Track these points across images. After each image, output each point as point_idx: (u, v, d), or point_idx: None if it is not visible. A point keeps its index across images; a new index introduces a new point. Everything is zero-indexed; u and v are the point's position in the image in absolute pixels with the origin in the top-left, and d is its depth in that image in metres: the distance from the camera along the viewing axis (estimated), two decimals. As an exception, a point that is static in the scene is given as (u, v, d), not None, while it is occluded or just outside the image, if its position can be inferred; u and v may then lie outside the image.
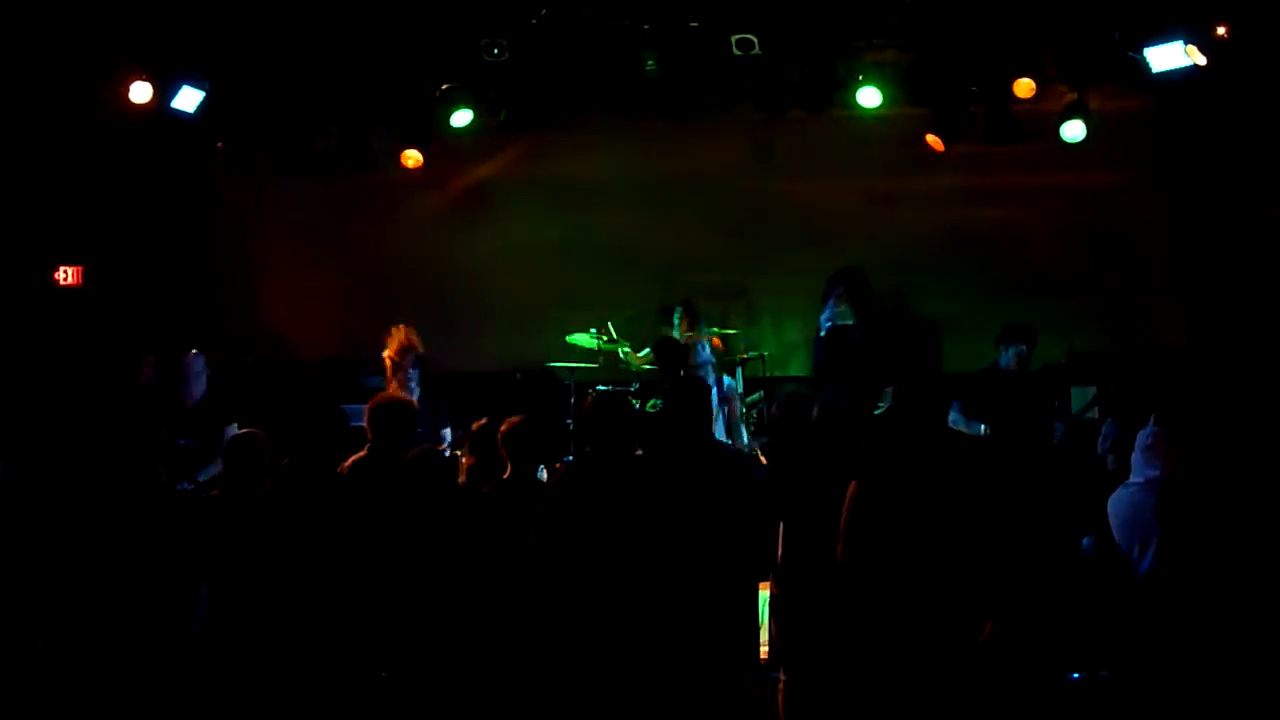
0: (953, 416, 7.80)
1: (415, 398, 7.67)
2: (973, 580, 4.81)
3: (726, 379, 10.05)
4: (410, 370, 7.98)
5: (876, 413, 6.80)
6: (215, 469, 7.50)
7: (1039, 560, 5.12)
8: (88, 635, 5.42)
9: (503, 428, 5.56)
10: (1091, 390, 8.83)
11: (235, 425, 7.89)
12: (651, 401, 9.49)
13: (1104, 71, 9.66)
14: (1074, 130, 9.96)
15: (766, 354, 10.70)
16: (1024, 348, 7.95)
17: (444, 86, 10.00)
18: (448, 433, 8.20)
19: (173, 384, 8.01)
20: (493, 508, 5.41)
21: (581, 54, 9.91)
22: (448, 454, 7.40)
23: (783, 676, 5.51)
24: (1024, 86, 9.57)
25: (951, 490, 4.83)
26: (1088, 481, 5.76)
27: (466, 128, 10.32)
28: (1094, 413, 8.27)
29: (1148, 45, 8.85)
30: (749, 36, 9.13)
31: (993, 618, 4.91)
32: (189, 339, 8.45)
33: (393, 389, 7.95)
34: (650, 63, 9.70)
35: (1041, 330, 8.33)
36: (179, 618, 5.53)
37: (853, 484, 4.92)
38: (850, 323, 9.04)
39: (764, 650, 6.21)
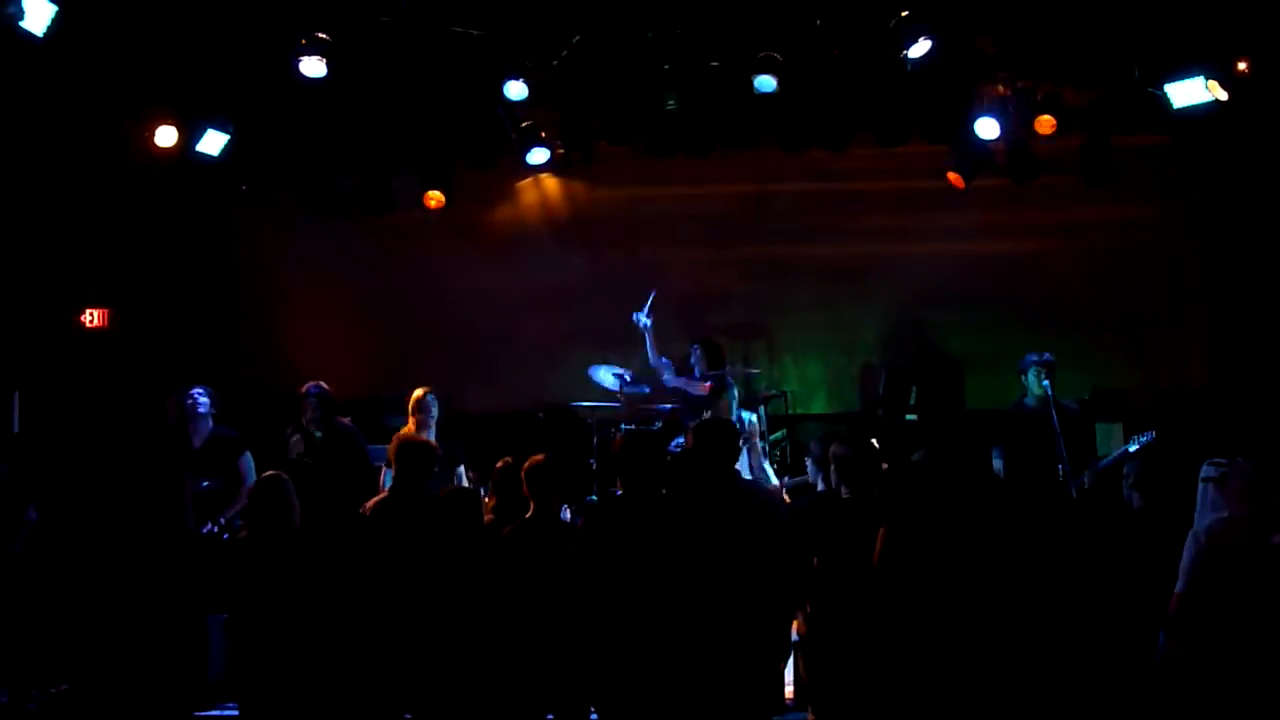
0: (997, 464, 7.76)
1: (431, 437, 7.78)
2: (1003, 623, 4.78)
3: (748, 415, 10.00)
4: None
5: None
6: (239, 504, 7.56)
7: (1071, 602, 5.09)
8: (115, 679, 5.43)
9: (526, 466, 5.60)
10: (1118, 427, 8.77)
11: (249, 454, 7.97)
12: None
13: (1125, 107, 9.65)
14: (1094, 166, 9.95)
15: (789, 391, 10.68)
16: (1044, 369, 7.93)
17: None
18: (462, 470, 8.25)
19: (183, 426, 8.07)
20: (515, 547, 5.42)
21: (603, 92, 9.97)
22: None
23: (810, 716, 5.49)
24: (1045, 123, 9.56)
25: (982, 534, 4.82)
26: (1116, 524, 5.71)
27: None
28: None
29: (1168, 81, 8.84)
30: (769, 76, 9.15)
31: (1022, 661, 4.88)
32: (211, 380, 8.46)
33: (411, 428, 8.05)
34: (671, 101, 9.75)
35: (1064, 366, 8.28)
36: (200, 660, 5.55)
37: (883, 529, 4.91)
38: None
39: (789, 690, 6.19)
